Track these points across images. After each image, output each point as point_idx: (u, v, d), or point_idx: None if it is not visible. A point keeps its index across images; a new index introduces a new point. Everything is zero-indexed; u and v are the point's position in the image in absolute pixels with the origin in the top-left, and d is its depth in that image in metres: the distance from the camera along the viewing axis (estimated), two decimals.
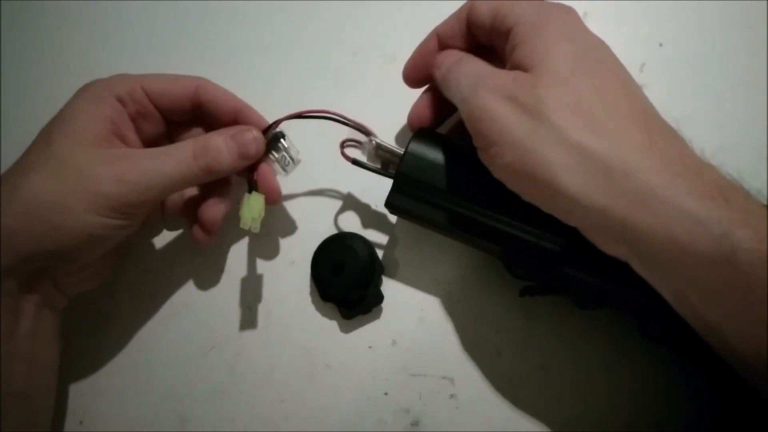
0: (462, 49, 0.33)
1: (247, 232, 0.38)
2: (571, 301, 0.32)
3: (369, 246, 0.36)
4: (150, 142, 0.34)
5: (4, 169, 0.39)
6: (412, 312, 0.37)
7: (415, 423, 0.36)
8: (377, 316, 0.37)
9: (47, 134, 0.30)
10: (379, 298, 0.36)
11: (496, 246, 0.32)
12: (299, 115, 0.33)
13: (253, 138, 0.32)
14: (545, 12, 0.28)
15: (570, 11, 0.29)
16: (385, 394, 0.36)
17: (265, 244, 0.38)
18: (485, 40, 0.32)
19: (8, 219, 0.28)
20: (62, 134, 0.30)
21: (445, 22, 0.33)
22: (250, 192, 0.33)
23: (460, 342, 0.36)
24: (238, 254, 0.38)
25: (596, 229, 0.25)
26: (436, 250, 0.37)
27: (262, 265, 0.38)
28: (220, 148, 0.32)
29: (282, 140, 0.34)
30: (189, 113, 0.34)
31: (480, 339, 0.36)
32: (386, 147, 0.33)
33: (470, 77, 0.29)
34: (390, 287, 0.37)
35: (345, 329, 0.37)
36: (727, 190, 0.23)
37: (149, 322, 0.37)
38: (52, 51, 0.41)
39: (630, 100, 0.26)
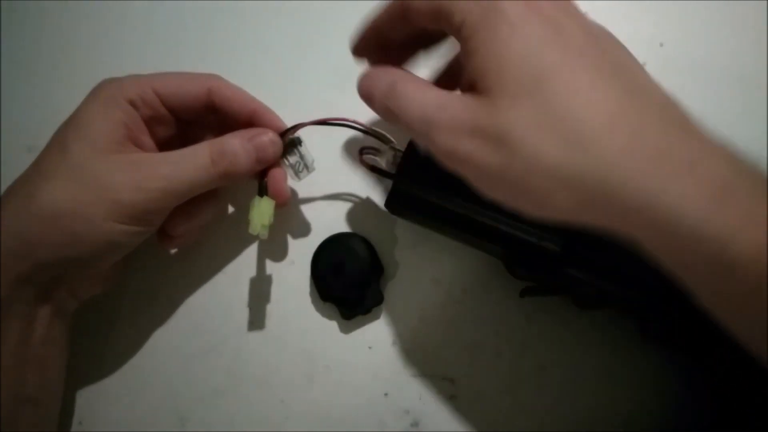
0: (399, 41, 0.29)
1: (247, 232, 0.38)
2: (571, 301, 0.32)
3: (369, 246, 0.36)
4: (164, 144, 0.34)
5: (4, 169, 0.39)
6: (412, 312, 0.37)
7: (415, 423, 0.35)
8: (377, 316, 0.37)
9: (62, 140, 0.30)
10: (379, 298, 0.36)
11: (497, 246, 0.32)
12: (323, 122, 0.33)
13: (270, 141, 0.32)
14: (493, 5, 0.24)
15: None
16: (385, 394, 0.36)
17: (265, 245, 0.38)
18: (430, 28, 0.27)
19: (26, 228, 0.28)
20: (78, 140, 0.30)
21: (379, 17, 0.29)
22: (261, 196, 0.33)
23: (460, 342, 0.36)
24: (237, 254, 0.38)
25: (599, 229, 0.24)
26: (436, 250, 0.37)
27: (262, 266, 0.38)
28: (237, 152, 0.31)
29: (299, 146, 0.33)
30: (202, 114, 0.34)
31: (480, 339, 0.36)
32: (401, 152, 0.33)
33: (417, 110, 0.25)
34: (390, 287, 0.37)
35: (345, 329, 0.37)
36: (726, 188, 0.21)
37: (149, 323, 0.37)
38: (53, 51, 0.41)
39: (607, 86, 0.23)
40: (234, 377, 0.37)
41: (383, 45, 0.30)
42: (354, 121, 0.33)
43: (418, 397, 0.36)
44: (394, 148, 0.33)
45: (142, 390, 0.37)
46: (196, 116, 0.34)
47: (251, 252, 0.38)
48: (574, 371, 0.35)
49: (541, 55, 0.23)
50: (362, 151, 0.34)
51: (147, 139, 0.33)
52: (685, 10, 0.39)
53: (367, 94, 0.28)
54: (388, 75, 0.28)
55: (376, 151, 0.34)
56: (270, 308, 0.37)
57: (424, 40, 0.31)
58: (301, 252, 0.37)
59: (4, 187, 0.38)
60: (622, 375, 0.35)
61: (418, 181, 0.31)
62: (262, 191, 0.33)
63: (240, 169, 0.31)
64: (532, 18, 0.24)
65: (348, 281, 0.35)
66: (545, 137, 0.22)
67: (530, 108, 0.22)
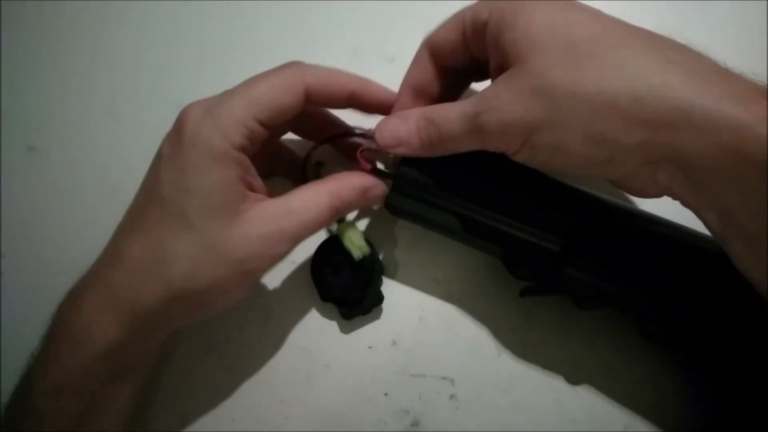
0: (435, 89, 0.32)
1: None
2: (571, 301, 0.32)
3: (369, 246, 0.36)
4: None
5: (4, 169, 0.39)
6: (412, 312, 0.37)
7: (415, 423, 0.36)
8: (377, 316, 0.37)
9: (183, 215, 0.28)
10: (380, 298, 0.36)
11: (496, 246, 0.32)
12: (330, 138, 0.35)
13: (381, 195, 0.33)
14: None
15: None
16: (385, 394, 0.36)
17: None
18: (458, 60, 0.31)
19: (170, 306, 0.28)
20: (201, 214, 0.28)
21: (410, 75, 0.32)
22: (340, 223, 0.35)
23: (460, 342, 0.36)
24: None
25: (638, 169, 0.25)
26: (436, 250, 0.37)
27: None
28: (352, 204, 0.32)
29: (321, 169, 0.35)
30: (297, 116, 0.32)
31: (480, 339, 0.36)
32: None
33: (457, 116, 0.28)
34: (390, 287, 0.37)
35: (345, 329, 0.37)
36: (763, 91, 0.23)
37: None
38: (53, 51, 0.41)
39: (625, 29, 0.26)
40: (234, 377, 0.37)
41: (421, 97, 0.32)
42: (354, 129, 0.34)
43: (418, 397, 0.36)
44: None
45: (142, 390, 0.37)
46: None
47: None
48: (574, 371, 0.35)
49: (564, 14, 0.26)
50: (361, 152, 0.34)
51: (257, 180, 0.31)
52: (684, 10, 0.39)
53: (393, 140, 0.30)
54: (408, 114, 0.30)
55: (375, 152, 0.34)
56: (270, 308, 0.37)
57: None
58: (301, 252, 0.37)
59: (4, 189, 0.39)
60: (622, 375, 0.35)
61: (417, 181, 0.31)
62: (341, 219, 0.35)
63: (348, 213, 0.33)
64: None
65: (348, 281, 0.35)
66: (579, 74, 0.24)
67: (562, 54, 0.25)
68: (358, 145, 0.34)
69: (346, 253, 0.35)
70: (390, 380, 0.36)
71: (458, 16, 0.30)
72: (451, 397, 0.36)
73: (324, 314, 0.37)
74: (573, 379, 0.35)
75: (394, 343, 0.36)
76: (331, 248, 0.36)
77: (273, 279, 0.37)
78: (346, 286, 0.35)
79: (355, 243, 0.34)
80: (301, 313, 0.37)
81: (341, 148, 0.37)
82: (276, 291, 0.37)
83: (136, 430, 0.36)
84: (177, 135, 0.29)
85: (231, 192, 0.29)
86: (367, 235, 0.37)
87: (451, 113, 0.28)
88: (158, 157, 0.30)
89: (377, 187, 0.32)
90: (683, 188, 0.25)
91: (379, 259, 0.36)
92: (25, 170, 0.39)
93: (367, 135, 0.34)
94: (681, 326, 0.31)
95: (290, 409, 0.36)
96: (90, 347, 0.28)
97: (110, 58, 0.41)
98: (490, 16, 0.28)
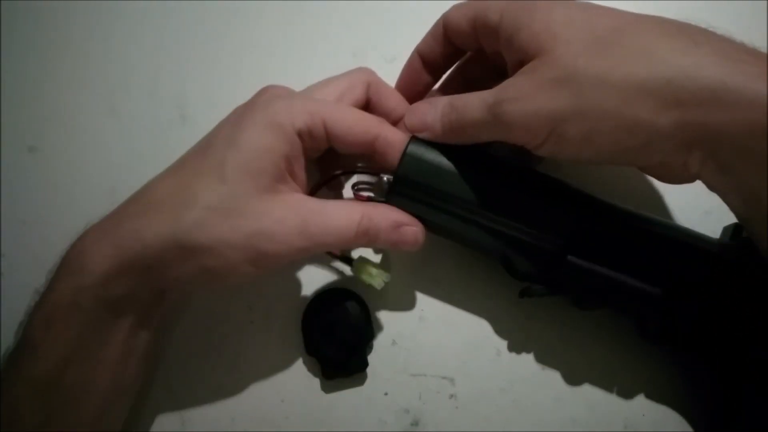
0: (444, 64, 0.33)
1: None
2: (571, 301, 0.32)
3: (364, 309, 0.35)
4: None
5: (4, 169, 0.39)
6: (412, 312, 0.37)
7: (415, 423, 0.36)
8: (360, 381, 0.36)
9: (221, 165, 0.28)
10: (364, 364, 0.35)
11: (497, 247, 0.32)
12: (330, 179, 0.34)
13: (414, 237, 0.31)
14: None
15: None
16: (385, 394, 0.36)
17: None
18: (470, 46, 0.32)
19: (166, 250, 0.28)
20: (239, 172, 0.28)
21: (423, 40, 0.33)
22: (350, 264, 0.35)
23: (460, 342, 0.36)
24: None
25: (672, 155, 0.25)
26: (437, 250, 0.37)
27: None
28: (380, 236, 0.30)
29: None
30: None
31: (480, 339, 0.36)
32: None
33: (480, 105, 0.27)
34: (390, 287, 0.37)
35: None
36: None
37: None
38: (53, 51, 0.41)
39: (647, 18, 0.26)
40: (234, 377, 0.37)
41: (427, 71, 0.33)
42: (351, 169, 0.35)
43: (418, 396, 0.36)
44: (385, 178, 0.33)
45: (143, 390, 0.37)
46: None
47: None
48: (574, 371, 0.35)
49: (582, 10, 0.26)
50: (356, 187, 0.34)
51: (300, 172, 0.31)
52: (684, 11, 0.39)
53: (420, 124, 0.30)
54: (437, 101, 0.30)
55: (369, 185, 0.34)
56: (270, 308, 0.37)
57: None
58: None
59: (4, 190, 0.39)
60: (622, 375, 0.35)
61: (416, 183, 0.31)
62: (348, 261, 0.35)
63: (373, 246, 0.32)
64: None
65: (335, 343, 0.34)
66: (606, 61, 0.24)
67: (586, 44, 0.25)
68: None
69: (340, 314, 0.35)
70: (390, 380, 0.36)
71: (471, 7, 0.30)
72: (451, 396, 0.36)
73: None
74: (572, 379, 0.35)
75: (394, 343, 0.36)
76: (326, 303, 0.35)
77: (273, 279, 0.37)
78: (332, 347, 0.34)
79: (376, 279, 0.34)
80: (301, 313, 0.37)
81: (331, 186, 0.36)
82: (276, 291, 0.37)
83: (136, 430, 0.36)
84: (251, 101, 0.31)
85: (273, 165, 0.29)
86: None
87: (473, 100, 0.28)
88: (226, 118, 0.31)
89: (413, 227, 0.31)
90: (712, 173, 0.25)
91: (371, 324, 0.36)
92: (25, 170, 0.39)
93: (368, 171, 0.34)
94: (679, 326, 0.31)
95: (290, 409, 0.36)
96: (81, 277, 0.28)
97: (110, 58, 0.41)
98: (502, 18, 0.28)
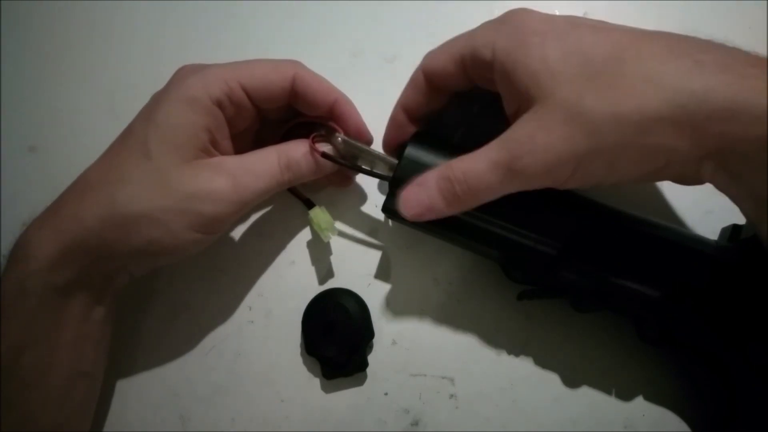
0: (427, 111, 0.33)
1: (247, 232, 0.38)
2: (569, 304, 0.32)
3: (363, 309, 0.35)
4: (236, 136, 0.34)
5: (4, 169, 0.39)
6: (412, 312, 0.37)
7: (415, 423, 0.36)
8: (360, 381, 0.36)
9: (144, 142, 0.30)
10: (364, 364, 0.35)
11: (494, 250, 0.32)
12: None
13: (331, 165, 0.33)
14: (507, 29, 0.28)
15: (523, 11, 0.28)
16: (385, 394, 0.36)
17: (265, 244, 0.38)
18: (459, 86, 0.31)
19: (105, 229, 0.29)
20: (161, 146, 0.29)
21: (404, 95, 0.33)
22: (309, 208, 0.35)
23: (460, 342, 0.36)
24: (238, 254, 0.38)
25: (688, 167, 0.25)
26: (436, 250, 0.37)
27: (262, 265, 0.38)
28: (301, 164, 0.32)
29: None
30: (283, 104, 0.33)
31: (480, 339, 0.36)
32: (351, 143, 0.34)
33: (486, 168, 0.27)
34: (390, 287, 0.37)
35: None
36: None
37: (149, 322, 0.37)
38: (53, 51, 0.41)
39: (641, 37, 0.26)
40: (234, 377, 0.37)
41: (412, 123, 0.33)
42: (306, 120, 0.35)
43: (418, 396, 0.36)
44: (340, 137, 0.33)
45: (143, 389, 0.37)
46: (276, 106, 0.33)
47: (252, 252, 0.38)
48: (574, 371, 0.35)
49: (575, 38, 0.26)
50: (313, 139, 0.34)
51: (226, 142, 0.32)
52: (684, 11, 0.39)
53: (420, 209, 0.29)
54: (428, 179, 0.29)
55: (325, 138, 0.34)
56: (270, 308, 0.37)
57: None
58: (302, 252, 0.37)
59: (4, 189, 0.39)
60: (621, 375, 0.35)
61: None
62: (308, 205, 0.35)
63: (302, 179, 0.33)
64: (550, 22, 0.27)
65: (335, 343, 0.34)
66: (615, 96, 0.24)
67: (588, 80, 0.25)
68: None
69: (340, 314, 0.35)
70: (390, 380, 0.36)
71: (455, 49, 0.30)
72: (451, 396, 0.36)
73: None
74: (572, 380, 0.35)
75: (394, 343, 0.36)
76: (326, 303, 0.35)
77: (273, 279, 0.37)
78: (332, 348, 0.34)
79: (322, 227, 0.34)
80: (301, 313, 0.37)
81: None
82: (276, 291, 0.37)
83: (136, 431, 0.36)
84: (167, 84, 0.32)
85: (194, 137, 0.30)
86: (367, 237, 0.37)
87: (478, 165, 0.27)
88: (147, 102, 0.32)
89: (324, 146, 0.33)
90: (724, 180, 0.25)
91: (371, 324, 0.36)
92: (25, 170, 0.39)
93: (327, 126, 0.34)
94: (678, 329, 0.31)
95: (290, 409, 0.36)
96: (26, 264, 0.29)
97: (110, 58, 0.41)
98: (495, 56, 0.27)
